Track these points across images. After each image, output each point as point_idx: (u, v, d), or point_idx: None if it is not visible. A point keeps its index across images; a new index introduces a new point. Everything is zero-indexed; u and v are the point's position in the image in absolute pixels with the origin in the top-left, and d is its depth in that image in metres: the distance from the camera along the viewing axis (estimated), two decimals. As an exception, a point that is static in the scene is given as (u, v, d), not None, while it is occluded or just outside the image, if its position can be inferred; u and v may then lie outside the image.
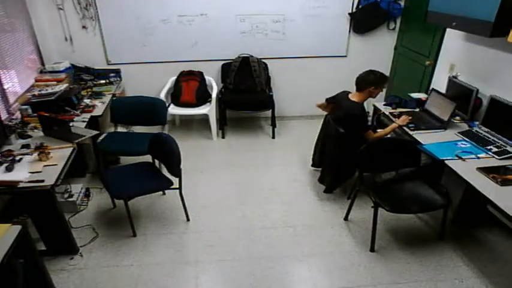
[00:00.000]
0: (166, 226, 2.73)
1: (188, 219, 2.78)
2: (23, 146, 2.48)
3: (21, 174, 2.15)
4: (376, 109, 3.29)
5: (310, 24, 4.09)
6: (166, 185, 2.59)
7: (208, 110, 3.98)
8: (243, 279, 2.28)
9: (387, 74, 4.38)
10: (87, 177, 3.35)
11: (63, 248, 2.43)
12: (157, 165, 2.84)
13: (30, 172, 2.17)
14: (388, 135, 2.94)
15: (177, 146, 2.50)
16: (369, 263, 2.40)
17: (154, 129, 3.24)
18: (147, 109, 3.30)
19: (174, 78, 4.18)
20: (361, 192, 2.68)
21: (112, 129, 3.43)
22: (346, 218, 2.79)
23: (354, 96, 2.79)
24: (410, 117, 2.85)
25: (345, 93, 2.86)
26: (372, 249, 2.48)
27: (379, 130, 2.87)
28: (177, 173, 2.54)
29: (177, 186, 2.61)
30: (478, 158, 2.31)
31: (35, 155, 2.33)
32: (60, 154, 2.38)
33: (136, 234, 2.63)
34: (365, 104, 2.80)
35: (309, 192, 3.16)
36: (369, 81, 2.71)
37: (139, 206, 2.93)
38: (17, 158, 2.32)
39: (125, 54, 4.05)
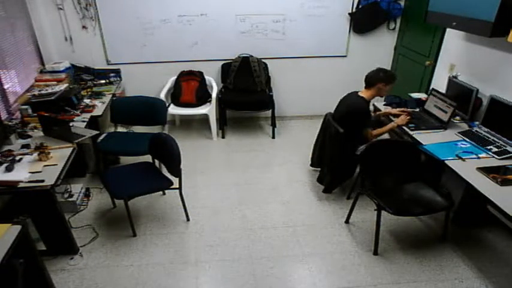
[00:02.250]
0: (166, 226, 2.73)
1: (188, 219, 2.78)
2: (23, 146, 2.48)
3: (21, 174, 2.15)
4: (376, 109, 3.29)
5: (310, 24, 4.09)
6: (167, 185, 2.58)
7: (208, 110, 3.98)
8: (243, 279, 2.28)
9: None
10: (87, 177, 3.35)
11: (63, 248, 2.43)
12: (157, 165, 2.84)
13: (30, 172, 2.17)
14: (387, 136, 2.94)
15: (177, 146, 2.49)
16: (369, 263, 2.40)
17: (154, 129, 3.24)
18: (147, 109, 3.30)
19: (174, 78, 4.18)
20: (362, 194, 2.68)
21: (112, 129, 3.43)
22: (347, 221, 2.77)
23: (362, 93, 2.80)
24: (409, 117, 2.85)
25: (354, 92, 2.87)
26: (375, 253, 2.46)
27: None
28: (177, 173, 2.54)
29: (177, 186, 2.61)
30: (478, 158, 2.31)
31: (35, 155, 2.33)
32: (60, 154, 2.38)
33: (136, 234, 2.63)
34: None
35: (308, 192, 3.16)
36: (378, 78, 2.72)
37: (139, 206, 2.93)
38: (17, 158, 2.32)
39: (125, 54, 4.05)
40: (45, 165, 2.25)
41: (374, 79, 2.74)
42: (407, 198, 2.43)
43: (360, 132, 2.75)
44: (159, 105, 3.31)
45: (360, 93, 2.81)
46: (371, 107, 3.36)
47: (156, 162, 2.84)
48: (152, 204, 2.97)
